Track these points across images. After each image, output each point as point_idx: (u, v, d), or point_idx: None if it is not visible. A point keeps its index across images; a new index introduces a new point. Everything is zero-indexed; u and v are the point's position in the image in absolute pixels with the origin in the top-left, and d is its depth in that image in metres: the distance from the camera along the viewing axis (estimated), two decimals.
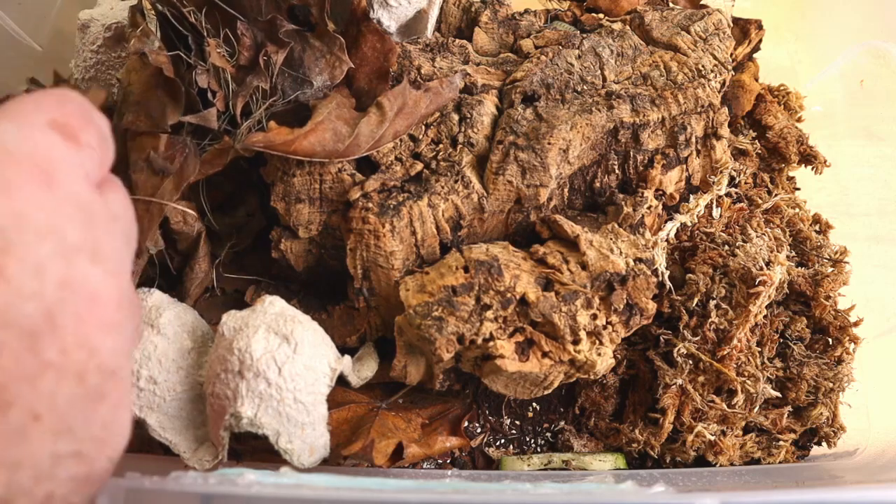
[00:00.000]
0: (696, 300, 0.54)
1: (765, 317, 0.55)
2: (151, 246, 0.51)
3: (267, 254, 0.52)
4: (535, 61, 0.54)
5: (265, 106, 0.49)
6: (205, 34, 0.48)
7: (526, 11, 0.62)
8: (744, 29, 0.65)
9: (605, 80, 0.55)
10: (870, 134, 0.72)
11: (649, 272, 0.49)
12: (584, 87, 0.54)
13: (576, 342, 0.46)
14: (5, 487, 0.26)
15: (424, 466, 0.54)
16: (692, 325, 0.54)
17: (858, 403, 0.59)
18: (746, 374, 0.54)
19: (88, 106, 0.32)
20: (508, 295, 0.46)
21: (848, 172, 0.70)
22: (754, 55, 0.68)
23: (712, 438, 0.53)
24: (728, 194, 0.60)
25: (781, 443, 0.55)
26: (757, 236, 0.57)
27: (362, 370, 0.51)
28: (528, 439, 0.57)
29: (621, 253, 0.49)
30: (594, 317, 0.47)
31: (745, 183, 0.64)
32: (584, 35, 0.57)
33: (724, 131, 0.58)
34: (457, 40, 0.57)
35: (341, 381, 0.47)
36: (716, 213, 0.59)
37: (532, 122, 0.51)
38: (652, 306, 0.49)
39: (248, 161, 0.52)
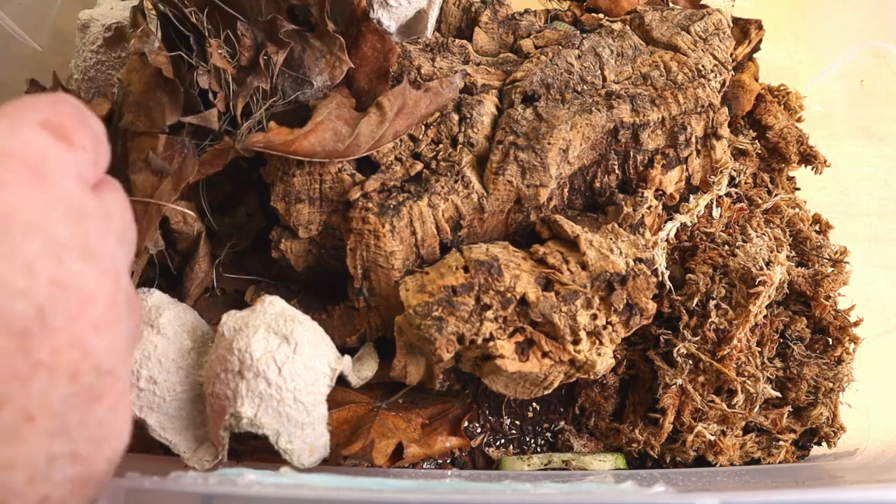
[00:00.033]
0: (696, 300, 0.54)
1: (765, 317, 0.55)
2: (151, 246, 0.51)
3: (267, 254, 0.52)
4: (535, 61, 0.54)
5: (265, 106, 0.49)
6: (206, 35, 0.48)
7: (526, 11, 0.62)
8: (744, 29, 0.65)
9: (605, 80, 0.55)
10: (870, 134, 0.72)
11: (649, 272, 0.49)
12: (584, 87, 0.54)
13: (576, 342, 0.46)
14: None
15: (424, 466, 0.54)
16: (692, 325, 0.54)
17: (858, 403, 0.59)
18: (746, 374, 0.54)
19: (83, 109, 0.32)
20: (508, 295, 0.46)
21: (848, 172, 0.70)
22: (754, 55, 0.68)
23: (712, 438, 0.54)
24: (728, 194, 0.60)
25: (781, 443, 0.55)
26: (757, 236, 0.57)
27: (362, 370, 0.51)
28: (528, 439, 0.57)
29: (621, 253, 0.49)
30: (594, 317, 0.47)
31: (745, 183, 0.64)
32: (584, 35, 0.57)
33: (724, 131, 0.58)
34: (457, 40, 0.57)
35: (341, 381, 0.47)
36: (716, 213, 0.59)
37: (532, 122, 0.51)
38: (652, 306, 0.49)
39: (248, 161, 0.52)
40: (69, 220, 0.27)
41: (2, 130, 0.27)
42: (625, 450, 0.56)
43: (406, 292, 0.47)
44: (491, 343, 0.45)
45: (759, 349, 0.55)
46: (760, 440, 0.56)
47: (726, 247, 0.56)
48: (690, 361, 0.54)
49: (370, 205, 0.48)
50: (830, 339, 0.57)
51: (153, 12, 0.50)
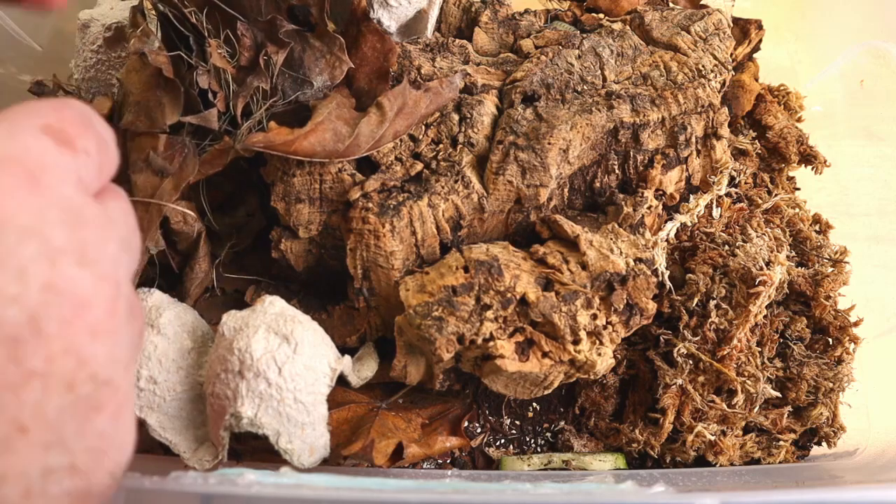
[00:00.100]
0: (696, 300, 0.54)
1: (765, 317, 0.55)
2: (152, 246, 0.51)
3: (267, 254, 0.52)
4: (535, 61, 0.54)
5: (265, 106, 0.49)
6: (206, 35, 0.48)
7: (526, 11, 0.62)
8: (744, 29, 0.65)
9: (605, 80, 0.55)
10: (870, 134, 0.72)
11: (649, 272, 0.49)
12: (584, 87, 0.54)
13: (576, 342, 0.46)
14: None
15: (424, 466, 0.54)
16: (692, 325, 0.54)
17: (858, 403, 0.59)
18: (746, 374, 0.54)
19: (90, 114, 0.31)
20: (508, 295, 0.46)
21: (848, 172, 0.70)
22: (754, 55, 0.68)
23: (712, 438, 0.54)
24: (728, 194, 0.60)
25: (781, 443, 0.55)
26: (757, 236, 0.57)
27: (362, 370, 0.51)
28: (528, 439, 0.57)
29: (621, 253, 0.49)
30: (594, 317, 0.47)
31: (745, 183, 0.64)
32: (584, 35, 0.57)
33: (724, 131, 0.58)
34: (457, 40, 0.58)
35: (341, 381, 0.47)
36: (716, 213, 0.59)
37: (532, 122, 0.51)
38: (652, 306, 0.49)
39: (248, 161, 0.52)
40: (66, 224, 0.27)
41: (2, 133, 0.27)
42: (625, 450, 0.56)
43: (406, 292, 0.47)
44: (491, 343, 0.45)
45: (759, 349, 0.55)
46: (760, 440, 0.56)
47: (726, 247, 0.56)
48: (690, 361, 0.54)
49: (370, 205, 0.48)
50: (830, 339, 0.57)
51: (153, 12, 0.50)
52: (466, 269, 0.47)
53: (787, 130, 0.65)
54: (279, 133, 0.47)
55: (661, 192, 0.56)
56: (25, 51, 0.66)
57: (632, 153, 0.54)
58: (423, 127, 0.52)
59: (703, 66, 0.56)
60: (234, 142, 0.48)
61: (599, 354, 0.47)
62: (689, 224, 0.58)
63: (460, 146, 0.51)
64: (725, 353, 0.53)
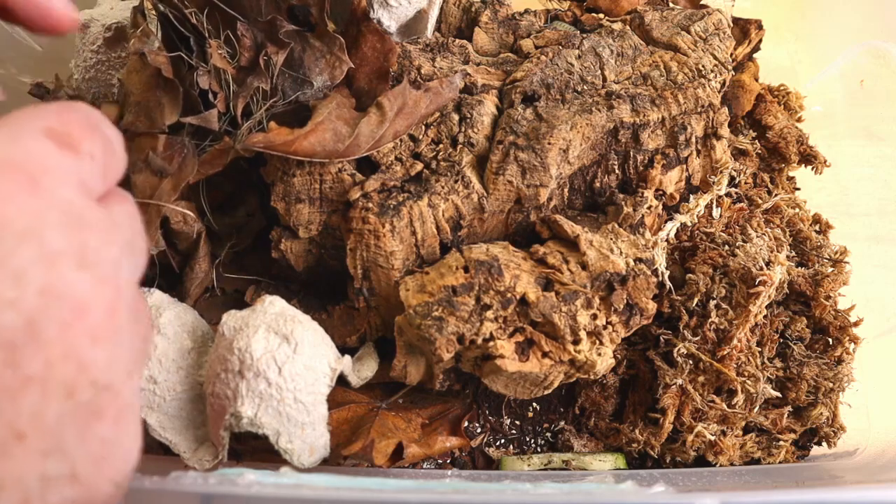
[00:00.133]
0: (696, 300, 0.54)
1: (765, 317, 0.55)
2: (152, 246, 0.51)
3: (267, 254, 0.52)
4: (535, 61, 0.54)
5: (265, 107, 0.49)
6: (206, 35, 0.48)
7: (526, 11, 0.62)
8: (744, 29, 0.65)
9: (605, 80, 0.55)
10: (870, 134, 0.72)
11: (649, 272, 0.49)
12: (584, 87, 0.54)
13: (576, 342, 0.46)
14: None
15: (424, 466, 0.54)
16: (692, 325, 0.54)
17: (858, 403, 0.59)
18: (746, 374, 0.54)
19: (97, 117, 0.31)
20: (508, 295, 0.46)
21: (848, 172, 0.70)
22: (754, 55, 0.68)
23: (712, 438, 0.54)
24: (728, 194, 0.60)
25: (781, 443, 0.56)
26: (757, 236, 0.57)
27: (362, 370, 0.51)
28: (528, 439, 0.57)
29: (621, 253, 0.49)
30: (594, 317, 0.47)
31: (745, 183, 0.64)
32: (584, 35, 0.57)
33: (724, 131, 0.58)
34: (457, 40, 0.58)
35: (341, 381, 0.47)
36: (716, 213, 0.59)
37: (532, 122, 0.51)
38: (652, 306, 0.49)
39: (248, 161, 0.52)
40: (65, 228, 0.26)
41: (3, 138, 0.27)
42: (625, 450, 0.56)
43: (406, 292, 0.47)
44: (491, 343, 0.45)
45: (759, 349, 0.55)
46: (760, 440, 0.56)
47: (726, 247, 0.56)
48: (690, 361, 0.54)
49: (370, 205, 0.48)
50: (830, 339, 0.57)
51: (153, 13, 0.50)
52: (466, 269, 0.47)
53: (787, 130, 0.65)
54: (279, 133, 0.47)
55: (661, 192, 0.56)
56: (25, 51, 0.66)
57: (632, 153, 0.54)
58: (423, 127, 0.52)
59: (703, 66, 0.56)
60: (234, 142, 0.48)
61: (599, 354, 0.47)
62: (689, 224, 0.58)
63: (460, 146, 0.51)
64: (725, 353, 0.53)
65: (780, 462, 0.56)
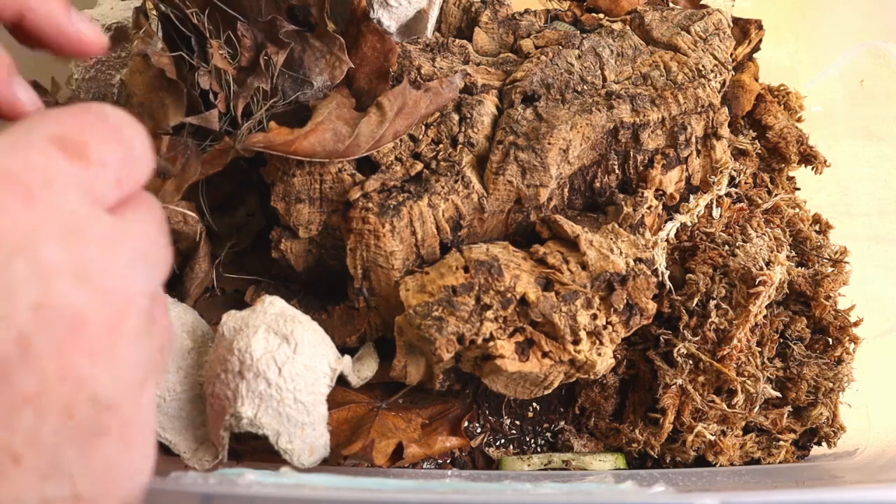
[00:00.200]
0: (696, 300, 0.54)
1: (765, 317, 0.55)
2: None
3: (267, 254, 0.52)
4: (535, 61, 0.54)
5: (266, 107, 0.49)
6: (207, 35, 0.48)
7: (526, 11, 0.62)
8: (744, 29, 0.65)
9: (605, 80, 0.55)
10: (870, 134, 0.72)
11: (649, 272, 0.49)
12: (584, 87, 0.54)
13: (576, 342, 0.46)
14: None
15: (424, 466, 0.54)
16: (692, 325, 0.54)
17: (858, 403, 0.59)
18: (746, 374, 0.54)
19: (119, 120, 0.29)
20: (508, 295, 0.46)
21: (848, 172, 0.70)
22: (754, 55, 0.68)
23: (712, 438, 0.54)
24: (728, 194, 0.60)
25: (781, 443, 0.56)
26: (757, 236, 0.57)
27: (362, 370, 0.51)
28: (528, 439, 0.57)
29: (621, 253, 0.49)
30: (594, 317, 0.47)
31: (745, 183, 0.64)
32: (584, 35, 0.57)
33: (724, 131, 0.58)
34: (457, 40, 0.58)
35: (341, 381, 0.47)
36: (716, 213, 0.59)
37: (532, 122, 0.51)
38: (652, 306, 0.49)
39: (248, 161, 0.52)
40: (64, 240, 0.25)
41: (5, 147, 0.26)
42: (625, 450, 0.56)
43: (406, 292, 0.47)
44: (491, 343, 0.45)
45: (759, 349, 0.55)
46: (760, 440, 0.56)
47: (726, 247, 0.56)
48: (690, 361, 0.54)
49: (370, 205, 0.48)
50: (830, 339, 0.57)
51: (154, 13, 0.50)
52: (466, 269, 0.47)
53: (787, 130, 0.65)
54: (279, 133, 0.47)
55: (661, 192, 0.56)
56: (25, 50, 0.66)
57: (632, 153, 0.54)
58: (423, 127, 0.52)
59: (703, 66, 0.56)
60: (234, 142, 0.48)
61: (599, 354, 0.47)
62: (689, 224, 0.58)
63: (460, 146, 0.51)
64: (725, 353, 0.53)
65: (780, 462, 0.56)
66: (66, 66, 0.62)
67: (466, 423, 0.55)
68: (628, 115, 0.53)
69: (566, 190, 0.54)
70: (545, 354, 0.46)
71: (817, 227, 0.63)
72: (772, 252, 0.55)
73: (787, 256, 0.57)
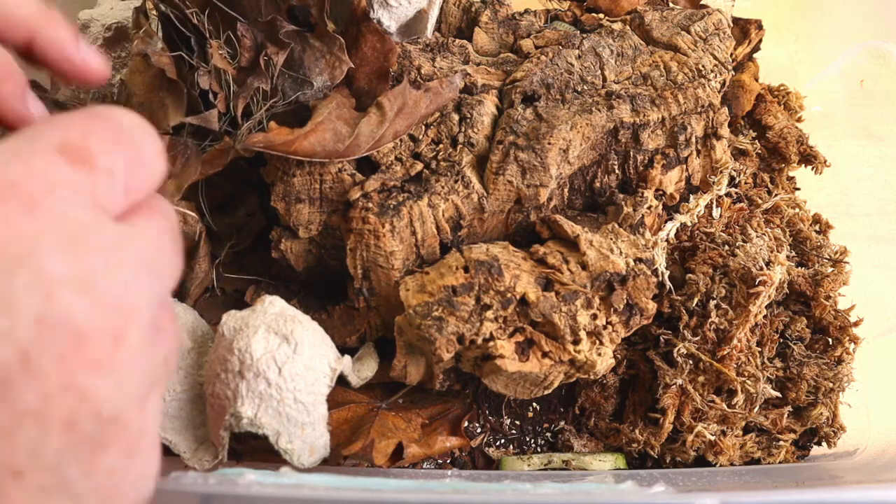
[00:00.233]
0: (696, 300, 0.54)
1: (765, 317, 0.55)
2: None
3: (267, 254, 0.52)
4: (535, 61, 0.54)
5: (266, 107, 0.49)
6: (207, 36, 0.48)
7: (526, 11, 0.62)
8: (744, 29, 0.65)
9: (605, 80, 0.55)
10: (870, 134, 0.72)
11: (649, 272, 0.49)
12: (584, 87, 0.54)
13: (576, 342, 0.46)
14: None
15: (424, 466, 0.54)
16: (692, 325, 0.54)
17: (858, 403, 0.59)
18: (746, 374, 0.54)
19: (130, 124, 0.29)
20: (508, 295, 0.46)
21: (848, 172, 0.70)
22: (754, 55, 0.68)
23: (712, 438, 0.54)
24: (728, 194, 0.60)
25: (781, 443, 0.56)
26: (757, 236, 0.57)
27: (362, 370, 0.51)
28: (528, 439, 0.57)
29: (621, 253, 0.49)
30: (594, 317, 0.47)
31: (745, 183, 0.64)
32: (584, 35, 0.57)
33: (724, 131, 0.58)
34: (457, 40, 0.58)
35: (341, 381, 0.47)
36: (716, 213, 0.59)
37: (532, 122, 0.51)
38: (652, 306, 0.49)
39: (248, 161, 0.52)
40: (66, 250, 0.25)
41: (7, 155, 0.25)
42: (625, 450, 0.56)
43: (406, 292, 0.47)
44: (491, 343, 0.45)
45: (759, 349, 0.55)
46: (760, 440, 0.56)
47: (726, 247, 0.56)
48: (690, 361, 0.54)
49: (370, 205, 0.48)
50: (830, 339, 0.57)
51: (154, 13, 0.50)
52: (466, 269, 0.47)
53: (787, 130, 0.65)
54: (279, 133, 0.47)
55: (661, 192, 0.56)
56: None
57: (632, 153, 0.54)
58: (423, 127, 0.52)
59: (703, 66, 0.56)
60: (234, 142, 0.48)
61: (599, 354, 0.47)
62: (689, 224, 0.58)
63: (460, 146, 0.51)
64: (725, 353, 0.53)
65: (780, 462, 0.56)
66: None
67: (466, 423, 0.55)
68: (628, 115, 0.53)
69: (566, 190, 0.54)
70: (545, 354, 0.46)
71: (817, 227, 0.63)
72: (772, 252, 0.55)
73: (787, 256, 0.57)
